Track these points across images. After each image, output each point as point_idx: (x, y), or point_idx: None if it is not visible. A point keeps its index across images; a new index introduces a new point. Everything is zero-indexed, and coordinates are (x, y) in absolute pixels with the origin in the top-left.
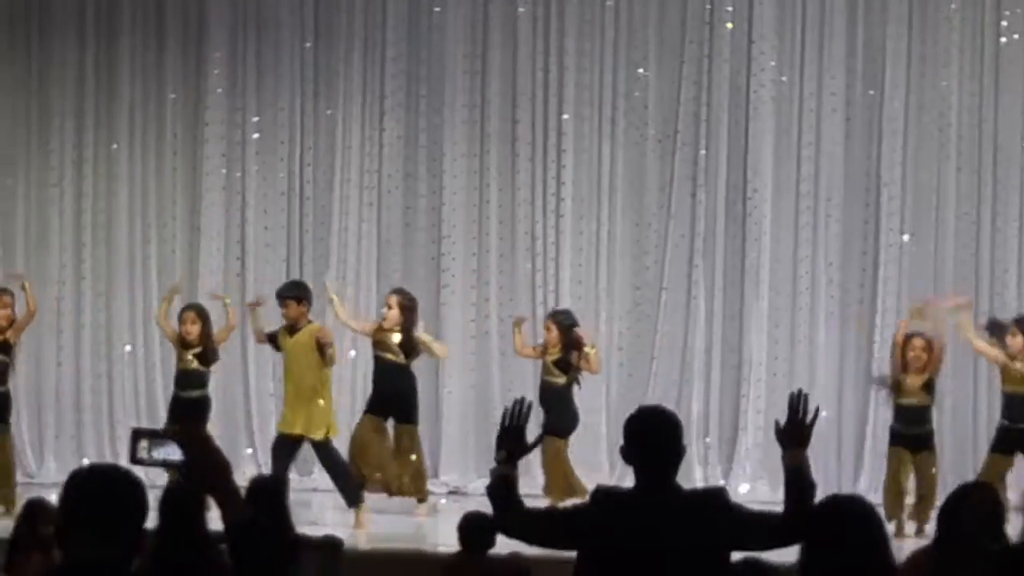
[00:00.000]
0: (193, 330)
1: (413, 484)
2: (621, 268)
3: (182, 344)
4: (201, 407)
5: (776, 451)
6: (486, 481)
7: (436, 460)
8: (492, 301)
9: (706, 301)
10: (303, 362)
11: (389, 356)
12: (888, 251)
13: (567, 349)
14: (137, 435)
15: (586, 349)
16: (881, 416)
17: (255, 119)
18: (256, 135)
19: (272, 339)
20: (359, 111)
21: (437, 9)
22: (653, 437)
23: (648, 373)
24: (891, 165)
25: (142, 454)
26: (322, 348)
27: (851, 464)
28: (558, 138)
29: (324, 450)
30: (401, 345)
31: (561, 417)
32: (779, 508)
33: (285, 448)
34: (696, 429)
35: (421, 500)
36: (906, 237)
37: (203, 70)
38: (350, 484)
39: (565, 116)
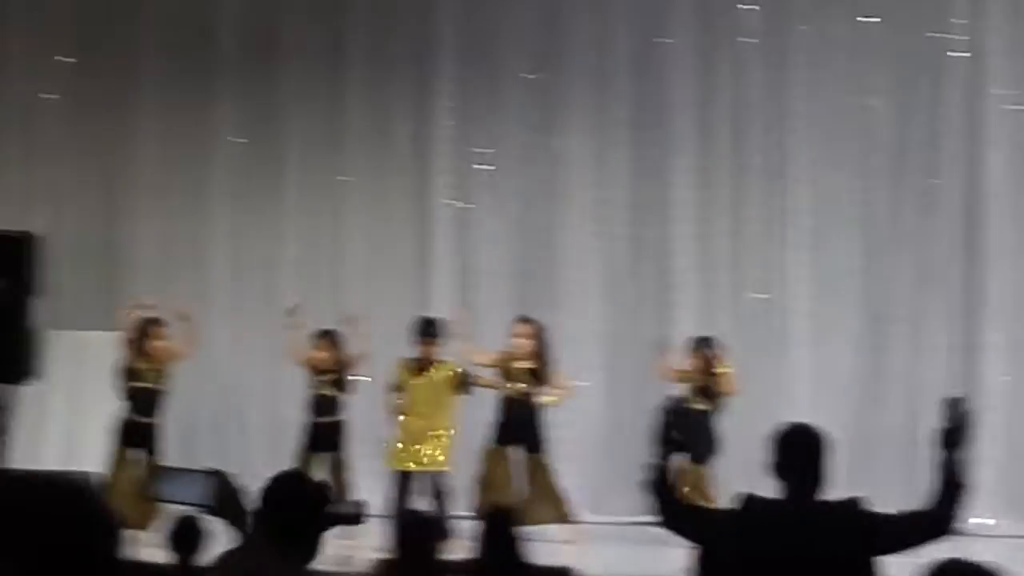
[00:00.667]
0: (327, 356)
1: (554, 509)
2: (854, 298)
3: (315, 370)
4: (337, 433)
5: (1015, 484)
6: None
7: None
8: (722, 331)
9: (941, 331)
10: (439, 399)
11: (520, 386)
12: None
13: (706, 375)
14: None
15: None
16: None
17: (484, 151)
18: (485, 167)
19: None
20: (586, 143)
21: (664, 40)
22: (802, 453)
23: (884, 403)
24: None
25: (164, 491)
26: (463, 385)
27: None
28: (788, 168)
29: (446, 482)
30: (534, 373)
31: (702, 443)
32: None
33: (408, 484)
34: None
35: (566, 523)
36: None
37: (432, 103)
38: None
39: (797, 144)
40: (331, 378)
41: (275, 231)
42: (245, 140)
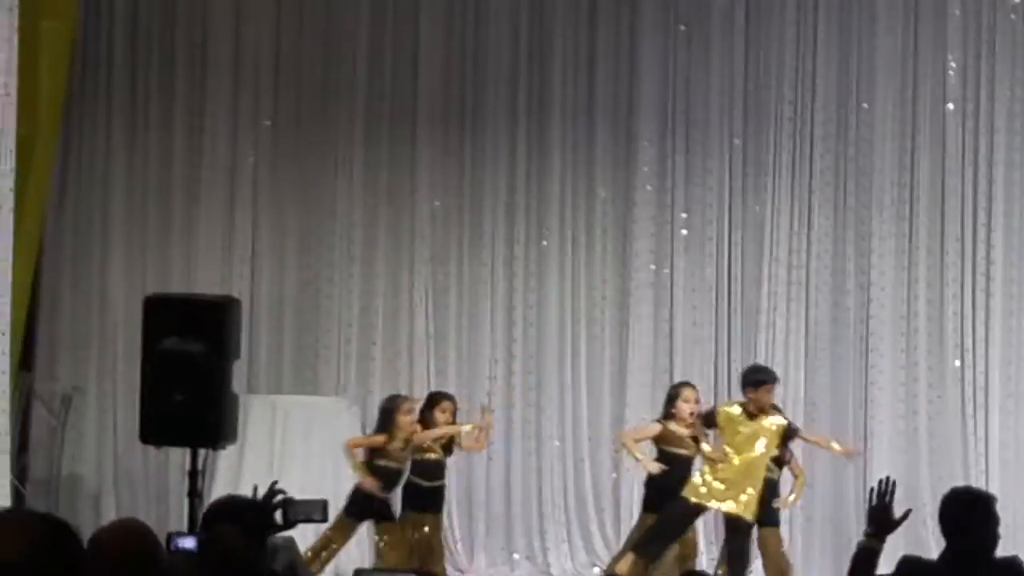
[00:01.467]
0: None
1: None
2: None
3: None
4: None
5: None
6: None
7: None
8: (920, 397)
9: None
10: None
11: (684, 451)
12: None
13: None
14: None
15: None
16: None
17: (683, 215)
18: (684, 231)
19: (709, 418)
20: (787, 207)
21: (865, 105)
22: (964, 517)
23: None
24: None
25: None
26: (790, 437)
27: None
28: (987, 234)
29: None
30: (694, 438)
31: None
32: None
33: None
34: None
35: None
36: None
37: (632, 166)
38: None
39: (994, 211)
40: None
41: (475, 294)
42: (445, 202)
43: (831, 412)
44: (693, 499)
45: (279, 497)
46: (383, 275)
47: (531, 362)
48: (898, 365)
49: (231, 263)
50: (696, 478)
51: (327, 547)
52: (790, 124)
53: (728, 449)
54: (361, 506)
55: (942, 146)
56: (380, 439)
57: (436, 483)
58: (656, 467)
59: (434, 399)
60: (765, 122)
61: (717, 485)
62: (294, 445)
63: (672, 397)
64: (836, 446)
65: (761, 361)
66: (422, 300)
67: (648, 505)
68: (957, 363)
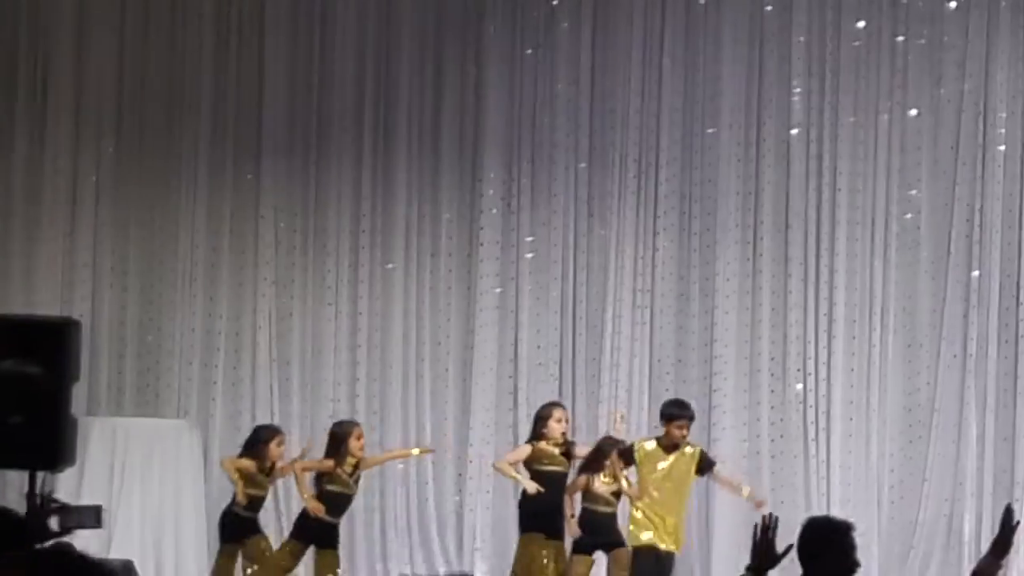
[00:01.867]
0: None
1: None
2: (892, 389)
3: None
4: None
5: None
6: None
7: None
8: (763, 420)
9: (978, 423)
10: (687, 480)
11: (556, 468)
12: None
13: None
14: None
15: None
16: None
17: (529, 239)
18: (530, 255)
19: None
20: (632, 230)
21: (710, 130)
22: (822, 545)
23: (920, 495)
24: None
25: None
26: (707, 466)
27: None
28: (830, 258)
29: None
30: (565, 454)
31: None
32: None
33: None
34: (968, 551)
35: None
36: None
37: (478, 190)
38: None
39: (837, 235)
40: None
41: (319, 318)
42: (289, 226)
43: None
44: (641, 543)
45: (53, 505)
46: (226, 298)
47: (375, 385)
48: (741, 388)
49: (72, 285)
50: (632, 525)
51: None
52: (635, 148)
53: (648, 486)
54: (308, 530)
55: (786, 171)
56: (330, 464)
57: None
58: (533, 487)
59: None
60: (610, 146)
61: (644, 520)
62: (134, 468)
63: (542, 417)
64: (745, 492)
65: (605, 384)
66: (265, 323)
67: (525, 526)
68: (799, 387)
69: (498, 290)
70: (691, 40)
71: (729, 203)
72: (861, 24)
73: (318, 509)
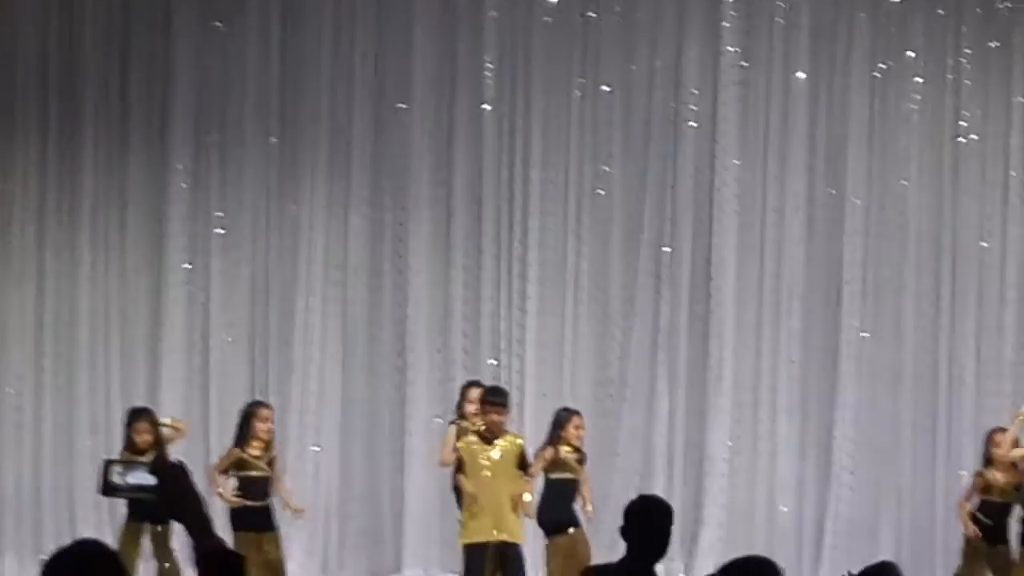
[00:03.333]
0: (147, 439)
1: None
2: (585, 364)
3: (133, 450)
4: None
5: (737, 547)
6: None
7: (399, 554)
8: (456, 396)
9: (669, 397)
10: (510, 471)
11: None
12: (848, 348)
13: None
14: (109, 464)
15: None
16: (843, 512)
17: (219, 215)
18: (220, 231)
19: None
20: (324, 206)
21: (402, 105)
22: (644, 522)
23: (611, 468)
24: (851, 264)
25: (115, 479)
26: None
27: (811, 558)
28: (523, 233)
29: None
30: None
31: None
32: None
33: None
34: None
35: None
36: (866, 335)
37: (167, 165)
38: None
39: (530, 211)
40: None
41: (5, 294)
42: None
43: (367, 409)
44: (472, 541)
45: None
46: None
47: (62, 362)
48: (435, 365)
49: None
50: (463, 521)
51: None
52: (327, 124)
53: (474, 483)
54: (243, 519)
55: (479, 147)
56: (236, 452)
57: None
58: (237, 502)
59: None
60: (302, 121)
61: (483, 520)
62: None
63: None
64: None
65: (297, 361)
66: None
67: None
68: (492, 362)
69: (187, 266)
70: (383, 15)
71: (421, 179)
72: (553, 0)
73: (234, 501)
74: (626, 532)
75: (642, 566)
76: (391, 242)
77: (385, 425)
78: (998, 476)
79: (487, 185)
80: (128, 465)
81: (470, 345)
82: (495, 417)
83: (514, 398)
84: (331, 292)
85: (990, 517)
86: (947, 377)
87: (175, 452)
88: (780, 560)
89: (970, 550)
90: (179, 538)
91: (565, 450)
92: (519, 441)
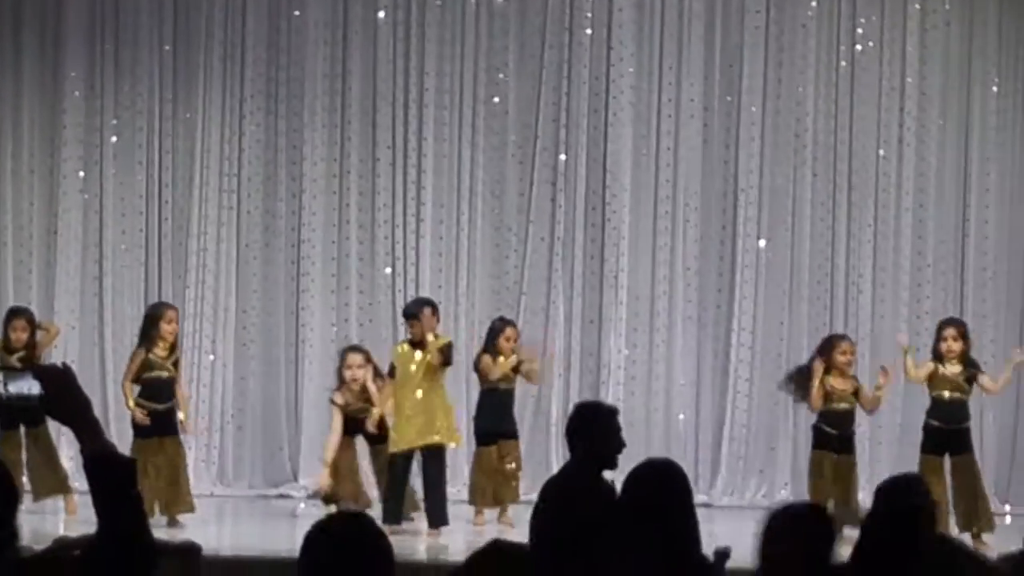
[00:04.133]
0: (22, 337)
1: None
2: (481, 272)
3: (7, 349)
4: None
5: (634, 454)
6: None
7: (296, 465)
8: (352, 305)
9: (565, 305)
10: (435, 373)
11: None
12: (745, 256)
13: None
14: None
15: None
16: (740, 419)
17: (113, 122)
18: (114, 138)
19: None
20: (219, 114)
21: (296, 13)
22: (586, 429)
23: None
24: (748, 171)
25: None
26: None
27: (709, 464)
28: (418, 142)
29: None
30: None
31: None
32: None
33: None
34: (556, 431)
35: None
36: (762, 243)
37: (60, 72)
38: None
39: (425, 119)
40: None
41: None
42: None
43: (264, 319)
44: (399, 449)
45: None
46: None
47: None
48: (329, 273)
49: None
50: (392, 431)
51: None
52: (220, 31)
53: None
54: (154, 425)
55: (373, 55)
56: (141, 354)
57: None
58: (144, 420)
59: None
60: (195, 28)
61: (412, 426)
62: None
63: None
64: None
65: (193, 268)
66: None
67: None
68: (388, 271)
69: (81, 174)
70: None
71: (316, 87)
72: None
73: (140, 417)
74: (570, 440)
75: (589, 471)
76: (286, 150)
77: (281, 334)
78: (836, 384)
79: (381, 93)
80: (8, 372)
81: (365, 252)
82: (413, 328)
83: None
84: (226, 200)
85: (834, 427)
86: (844, 284)
87: (62, 355)
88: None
89: (815, 466)
90: (71, 444)
91: (501, 360)
92: (441, 341)
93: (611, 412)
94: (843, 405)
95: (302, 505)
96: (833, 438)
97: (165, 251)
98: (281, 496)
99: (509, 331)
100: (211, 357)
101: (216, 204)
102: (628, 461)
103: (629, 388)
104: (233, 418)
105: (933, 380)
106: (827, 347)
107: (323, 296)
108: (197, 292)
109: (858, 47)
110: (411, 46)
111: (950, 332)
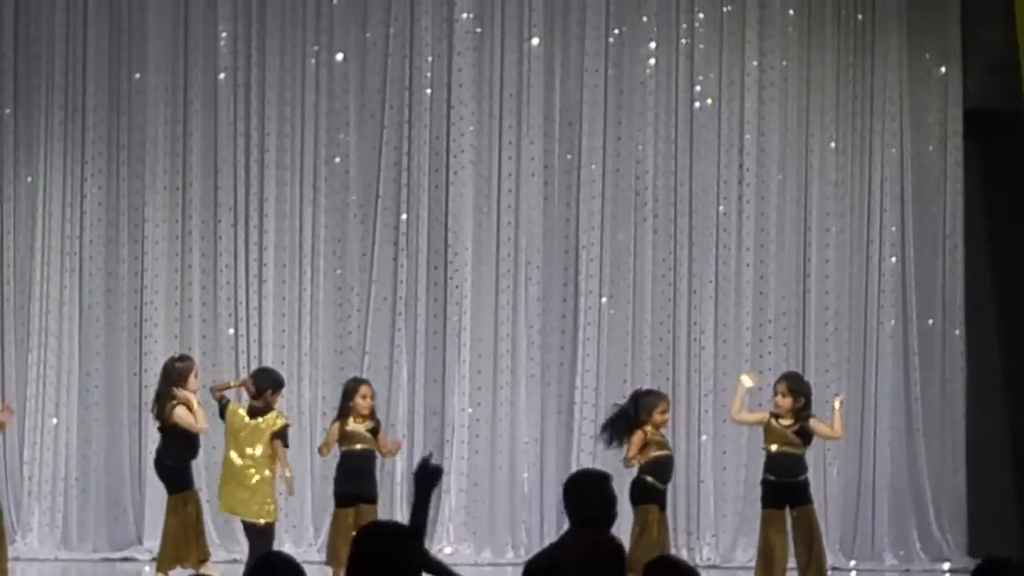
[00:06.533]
0: None
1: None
2: (324, 332)
3: None
4: None
5: (479, 513)
6: None
7: (140, 528)
8: (195, 367)
9: (408, 364)
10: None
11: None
12: (588, 313)
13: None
14: None
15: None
16: None
17: None
18: None
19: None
20: (60, 176)
21: (137, 75)
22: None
23: None
24: (589, 228)
25: None
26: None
27: (553, 524)
28: (260, 202)
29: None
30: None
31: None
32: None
33: None
34: (400, 491)
35: None
36: (604, 299)
37: None
38: None
39: (266, 180)
40: None
41: None
42: None
43: (107, 381)
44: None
45: None
46: None
47: None
48: (172, 334)
49: None
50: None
51: None
52: (61, 94)
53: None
54: None
55: (214, 116)
56: None
57: None
58: None
59: None
60: (36, 91)
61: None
62: None
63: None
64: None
65: (35, 332)
66: None
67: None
68: (231, 331)
69: None
70: None
71: (157, 149)
72: None
73: None
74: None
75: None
76: (127, 212)
77: (124, 397)
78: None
79: (222, 154)
80: None
81: (208, 313)
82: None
83: (252, 367)
84: (68, 263)
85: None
86: (686, 340)
87: None
88: (523, 526)
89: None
90: None
91: (354, 422)
92: (280, 420)
93: (606, 478)
94: (664, 452)
95: (147, 568)
96: (659, 492)
97: (8, 314)
98: (126, 559)
99: (364, 388)
100: (54, 420)
101: (58, 267)
102: (475, 521)
103: (473, 447)
104: (77, 481)
105: (767, 433)
106: (648, 407)
107: (166, 357)
108: (40, 355)
109: (696, 104)
110: (251, 107)
111: (780, 387)
